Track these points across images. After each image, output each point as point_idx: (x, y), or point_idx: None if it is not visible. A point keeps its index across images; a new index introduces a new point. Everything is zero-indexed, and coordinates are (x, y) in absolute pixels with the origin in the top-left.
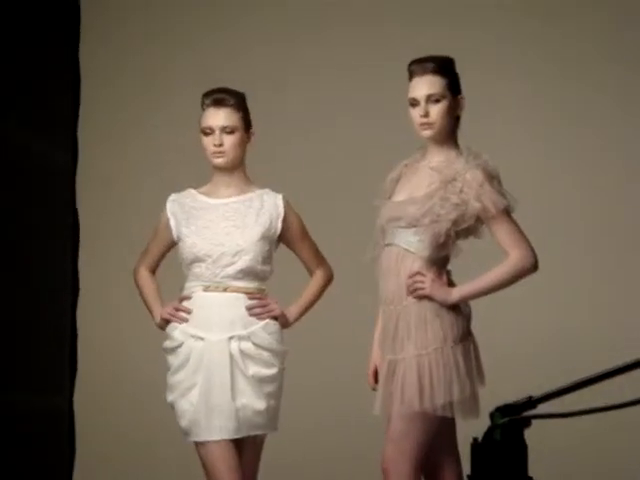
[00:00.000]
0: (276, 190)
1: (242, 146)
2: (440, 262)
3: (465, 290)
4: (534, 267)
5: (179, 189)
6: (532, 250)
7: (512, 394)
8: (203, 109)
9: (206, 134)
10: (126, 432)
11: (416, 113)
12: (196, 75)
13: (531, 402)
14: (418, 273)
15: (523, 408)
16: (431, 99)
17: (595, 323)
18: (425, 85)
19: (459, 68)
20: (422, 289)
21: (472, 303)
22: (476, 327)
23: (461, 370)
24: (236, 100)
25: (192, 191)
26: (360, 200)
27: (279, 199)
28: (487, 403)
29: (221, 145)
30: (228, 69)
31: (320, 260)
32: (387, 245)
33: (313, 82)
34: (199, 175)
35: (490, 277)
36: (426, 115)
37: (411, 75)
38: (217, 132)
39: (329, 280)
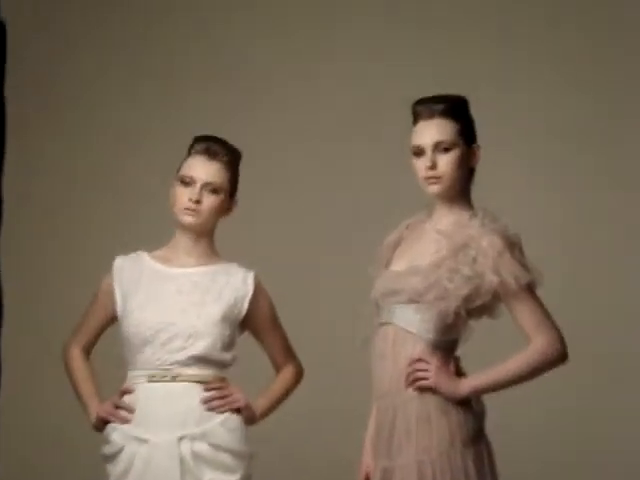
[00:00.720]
0: (247, 266)
1: (220, 212)
2: (447, 346)
3: (478, 382)
4: (562, 357)
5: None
6: (560, 336)
7: None
8: (190, 154)
9: (184, 184)
10: None
11: (421, 164)
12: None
13: None
14: (420, 359)
15: None
16: (440, 147)
17: None
18: (433, 130)
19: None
20: (425, 379)
21: None
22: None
23: (472, 479)
24: (231, 158)
25: (143, 255)
26: (348, 271)
27: (250, 277)
28: None
29: (198, 202)
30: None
31: (290, 355)
32: (382, 324)
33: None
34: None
35: (508, 367)
36: (433, 167)
37: (415, 118)
38: (198, 186)
39: (299, 379)
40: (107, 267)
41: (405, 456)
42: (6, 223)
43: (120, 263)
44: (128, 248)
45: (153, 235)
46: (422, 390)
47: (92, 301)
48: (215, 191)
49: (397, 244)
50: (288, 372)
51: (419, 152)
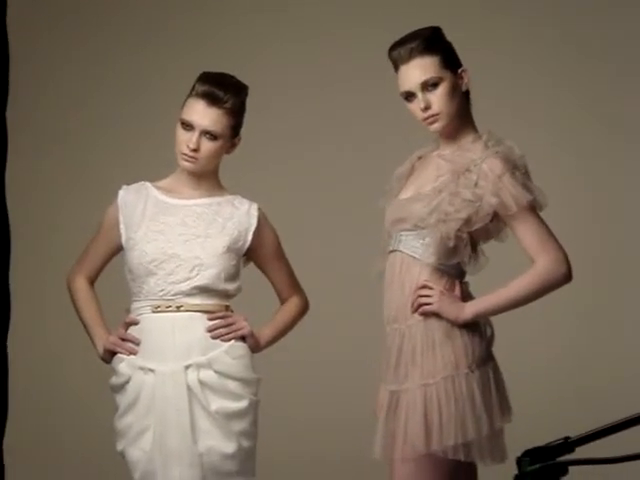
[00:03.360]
0: (255, 199)
1: (221, 154)
2: (453, 272)
3: (481, 305)
4: (566, 277)
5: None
6: (564, 256)
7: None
8: (192, 94)
9: (184, 128)
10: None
11: (415, 107)
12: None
13: (568, 444)
14: (424, 286)
15: (558, 452)
16: (427, 86)
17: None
18: (415, 72)
19: None
20: (428, 304)
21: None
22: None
23: (477, 403)
24: (234, 102)
25: (147, 184)
26: (363, 203)
27: (253, 208)
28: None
29: (196, 150)
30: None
31: (295, 287)
32: (390, 252)
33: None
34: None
35: (511, 289)
36: (428, 107)
37: (395, 64)
38: (197, 133)
39: (304, 310)
40: (112, 197)
41: (411, 380)
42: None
43: (124, 194)
44: (133, 177)
45: (157, 165)
46: (427, 315)
47: (97, 231)
48: (214, 137)
49: (408, 175)
50: (293, 303)
51: (409, 96)
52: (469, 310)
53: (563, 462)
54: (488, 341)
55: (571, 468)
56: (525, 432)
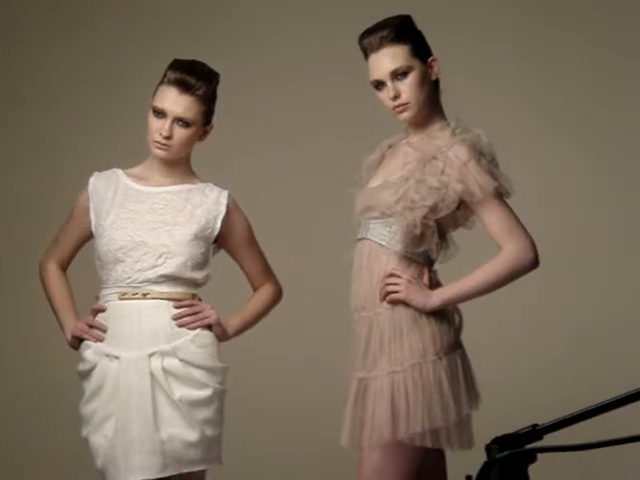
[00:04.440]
0: (229, 187)
1: (193, 142)
2: (421, 260)
3: (448, 292)
4: (533, 263)
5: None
6: (530, 242)
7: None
8: (163, 81)
9: (156, 116)
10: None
11: (385, 96)
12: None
13: (536, 432)
14: (392, 274)
15: (526, 439)
16: (397, 75)
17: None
18: (385, 61)
19: None
20: (396, 292)
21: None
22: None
23: (445, 390)
24: (206, 89)
25: (118, 171)
26: (335, 192)
27: (223, 196)
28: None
29: (169, 138)
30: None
31: (267, 274)
32: (359, 240)
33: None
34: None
35: (478, 276)
36: (397, 96)
37: (365, 52)
38: (169, 120)
39: (277, 299)
40: (83, 184)
41: (379, 368)
42: None
43: (95, 180)
44: (105, 164)
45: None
46: (394, 303)
47: (68, 218)
48: (187, 125)
49: (379, 163)
50: (265, 291)
51: (379, 85)
52: (436, 298)
53: (532, 449)
54: (456, 329)
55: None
56: (494, 419)
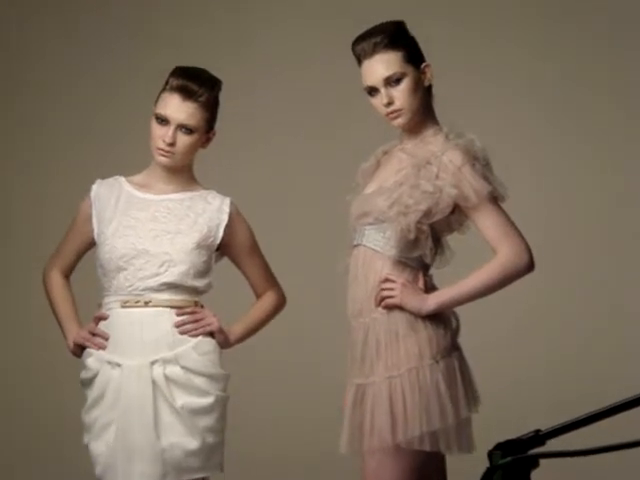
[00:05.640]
0: (230, 194)
1: (196, 149)
2: (415, 265)
3: (443, 296)
4: (528, 267)
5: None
6: (525, 246)
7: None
8: (166, 88)
9: (159, 123)
10: None
11: (378, 102)
12: None
13: (539, 437)
14: (387, 279)
15: (529, 445)
16: (390, 81)
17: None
18: (378, 67)
19: None
20: (391, 297)
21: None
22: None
23: (442, 393)
24: (208, 96)
25: (121, 179)
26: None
27: (225, 204)
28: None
29: (172, 145)
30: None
31: (271, 282)
32: (355, 246)
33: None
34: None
35: (474, 280)
36: (390, 102)
37: (359, 58)
38: (172, 127)
39: (280, 306)
40: (86, 191)
41: (376, 373)
42: None
43: (98, 188)
44: (107, 172)
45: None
46: (390, 308)
47: (70, 225)
48: (190, 131)
49: (374, 170)
50: (267, 298)
51: (372, 91)
52: (432, 302)
53: (534, 455)
54: (453, 332)
55: (542, 461)
56: (496, 424)
